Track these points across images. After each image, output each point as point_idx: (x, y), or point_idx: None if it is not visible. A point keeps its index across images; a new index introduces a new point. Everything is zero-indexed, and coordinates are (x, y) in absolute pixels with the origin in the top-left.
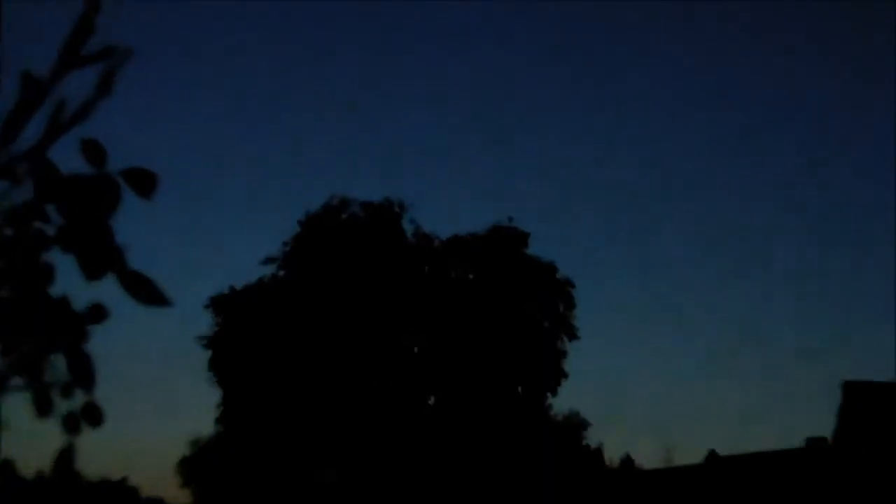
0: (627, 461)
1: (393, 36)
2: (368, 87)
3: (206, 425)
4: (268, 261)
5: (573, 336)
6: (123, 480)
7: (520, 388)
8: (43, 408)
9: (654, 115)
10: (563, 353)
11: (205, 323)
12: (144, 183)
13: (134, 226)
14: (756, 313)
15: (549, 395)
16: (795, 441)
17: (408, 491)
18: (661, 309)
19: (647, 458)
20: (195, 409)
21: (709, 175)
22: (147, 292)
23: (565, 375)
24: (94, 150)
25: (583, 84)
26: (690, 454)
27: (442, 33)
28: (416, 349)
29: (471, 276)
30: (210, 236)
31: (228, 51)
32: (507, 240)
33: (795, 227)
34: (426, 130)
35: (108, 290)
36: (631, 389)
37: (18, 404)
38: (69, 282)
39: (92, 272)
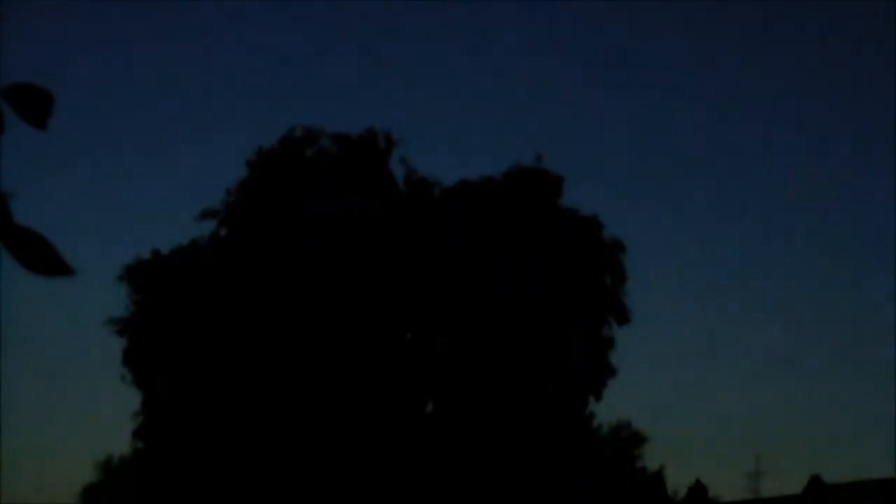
0: (698, 490)
1: None
2: None
3: (119, 441)
4: (205, 215)
5: (624, 319)
6: None
7: (551, 391)
8: None
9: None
10: (611, 343)
11: (118, 301)
12: (35, 105)
13: (22, 165)
14: (871, 296)
15: (590, 399)
16: None
17: None
18: (744, 284)
19: (726, 485)
20: (104, 420)
21: (803, 116)
22: (40, 257)
23: (613, 373)
24: None
25: None
26: (785, 482)
27: None
28: (408, 336)
29: (483, 233)
30: (126, 182)
31: None
32: (534, 186)
33: None
34: (421, 44)
35: None
36: (703, 393)
37: None
38: None
39: None
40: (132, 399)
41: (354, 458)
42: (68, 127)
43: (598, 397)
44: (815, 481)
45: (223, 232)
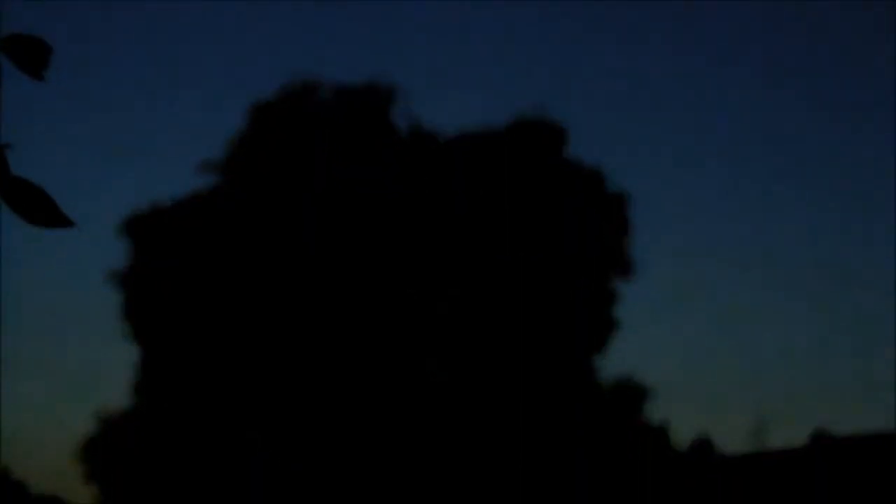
0: (703, 443)
1: None
2: None
3: (117, 395)
4: (204, 167)
5: (628, 273)
6: (4, 473)
7: (554, 345)
8: None
9: None
10: (614, 297)
11: (117, 253)
12: (33, 55)
13: (19, 116)
14: (876, 247)
15: (593, 353)
16: None
17: (396, 485)
18: (749, 237)
19: (731, 439)
20: (103, 374)
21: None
22: (37, 208)
23: (616, 327)
24: None
25: None
26: (790, 434)
27: None
28: (409, 290)
29: (485, 187)
30: (125, 134)
31: None
32: (538, 137)
33: None
34: None
35: None
36: (708, 347)
37: None
38: None
39: None
40: (131, 353)
41: (354, 413)
42: (66, 78)
43: (602, 351)
44: (821, 434)
45: (223, 184)
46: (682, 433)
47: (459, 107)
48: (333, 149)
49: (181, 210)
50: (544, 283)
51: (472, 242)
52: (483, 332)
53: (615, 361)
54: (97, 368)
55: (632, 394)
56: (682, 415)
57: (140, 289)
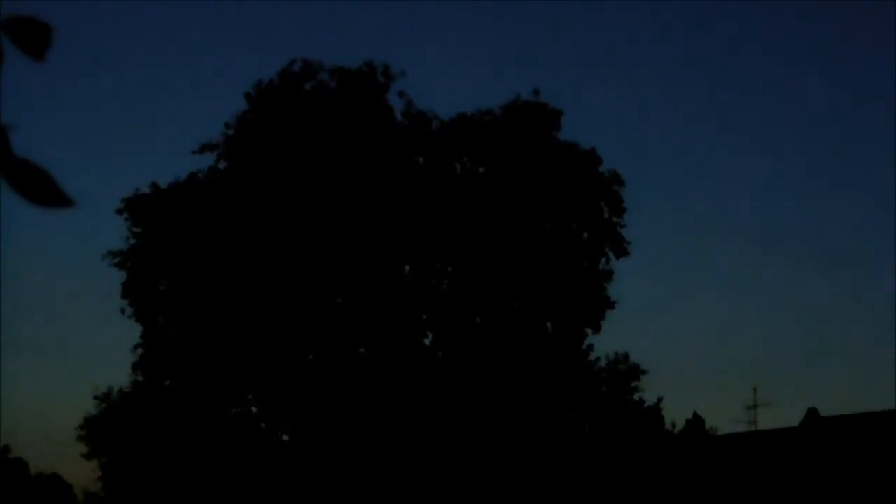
0: (696, 422)
1: None
2: None
3: (118, 374)
4: (204, 148)
5: (622, 252)
6: (4, 451)
7: (549, 324)
8: None
9: None
10: (609, 276)
11: (118, 233)
12: (34, 37)
13: (23, 97)
14: (872, 228)
15: (588, 332)
16: None
17: (395, 465)
18: (744, 217)
19: (723, 418)
20: (104, 353)
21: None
22: (39, 188)
23: (611, 305)
24: None
25: None
26: (782, 414)
27: None
28: (406, 269)
29: (482, 170)
30: (126, 115)
31: None
32: (533, 119)
33: None
34: None
35: None
36: (701, 327)
37: None
38: None
39: None
40: (132, 332)
41: (353, 390)
42: (68, 60)
43: (597, 330)
44: (813, 414)
45: (222, 165)
46: (677, 412)
47: (456, 90)
48: (332, 130)
49: (180, 190)
50: (540, 262)
51: (468, 221)
52: (480, 310)
53: (609, 340)
54: (97, 347)
55: (626, 372)
56: (676, 393)
57: (141, 268)
